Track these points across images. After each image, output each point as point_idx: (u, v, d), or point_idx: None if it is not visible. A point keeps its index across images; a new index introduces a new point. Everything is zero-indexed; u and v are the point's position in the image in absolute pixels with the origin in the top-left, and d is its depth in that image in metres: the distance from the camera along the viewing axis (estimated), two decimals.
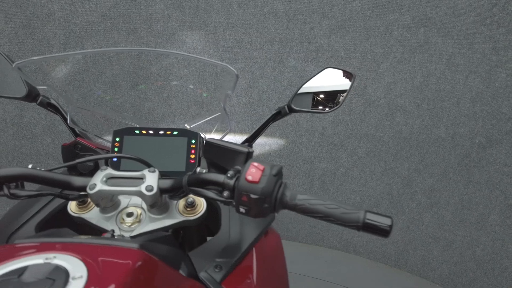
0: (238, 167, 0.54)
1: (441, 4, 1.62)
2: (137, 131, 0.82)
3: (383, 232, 0.48)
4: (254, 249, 0.67)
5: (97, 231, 0.64)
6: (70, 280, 0.35)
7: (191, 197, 0.67)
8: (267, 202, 0.50)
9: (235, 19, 1.86)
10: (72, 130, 0.90)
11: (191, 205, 0.67)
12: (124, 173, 0.61)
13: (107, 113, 1.56)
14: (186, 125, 0.92)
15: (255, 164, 0.51)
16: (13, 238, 0.66)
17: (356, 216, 0.49)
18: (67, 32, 1.90)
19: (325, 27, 1.80)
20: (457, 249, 1.91)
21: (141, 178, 0.60)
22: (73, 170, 0.82)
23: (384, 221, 0.48)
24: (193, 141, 0.81)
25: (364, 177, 2.04)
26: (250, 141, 0.93)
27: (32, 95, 0.86)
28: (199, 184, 0.57)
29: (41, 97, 0.88)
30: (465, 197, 1.83)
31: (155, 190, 0.58)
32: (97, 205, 0.62)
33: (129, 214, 0.65)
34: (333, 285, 1.96)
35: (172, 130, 0.81)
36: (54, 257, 0.38)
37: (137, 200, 0.68)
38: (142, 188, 0.58)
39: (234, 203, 0.52)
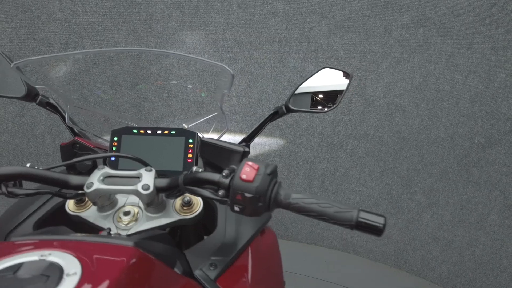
0: (234, 166, 0.54)
1: (440, 4, 1.62)
2: (135, 131, 0.82)
3: (376, 231, 0.48)
4: (249, 247, 0.68)
5: (94, 229, 0.64)
6: (64, 276, 0.35)
7: (188, 196, 0.68)
8: (261, 201, 0.51)
9: (234, 19, 1.86)
10: (71, 129, 0.91)
11: (188, 204, 0.68)
12: (121, 172, 0.61)
13: (106, 113, 1.56)
14: (184, 124, 0.93)
15: (250, 163, 0.52)
16: (11, 236, 0.67)
17: (350, 215, 0.49)
18: (67, 32, 1.91)
19: (325, 27, 1.81)
20: (457, 249, 1.91)
21: (138, 177, 0.61)
22: (72, 169, 0.83)
23: (377, 220, 0.48)
24: (190, 141, 0.81)
25: (364, 177, 2.04)
26: (247, 140, 0.94)
27: (31, 95, 0.87)
28: (195, 183, 0.57)
29: (40, 97, 0.89)
30: (465, 197, 1.83)
31: (151, 189, 0.59)
32: (94, 203, 0.63)
33: (126, 213, 0.66)
34: (332, 285, 1.96)
35: (170, 129, 0.82)
36: (49, 254, 0.39)
37: (134, 199, 0.69)
38: (139, 187, 0.59)
39: (229, 202, 0.53)
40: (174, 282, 0.47)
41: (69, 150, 0.85)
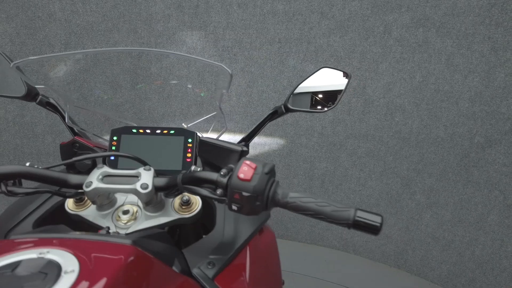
0: (232, 166, 0.55)
1: (440, 4, 1.62)
2: (134, 130, 0.83)
3: (373, 230, 0.48)
4: (248, 246, 0.68)
5: (93, 228, 0.65)
6: (62, 274, 0.36)
7: (187, 195, 0.68)
8: (259, 200, 0.51)
9: (234, 19, 1.87)
10: (71, 129, 0.91)
11: (187, 203, 0.68)
12: (119, 171, 0.62)
13: (105, 113, 1.57)
14: (183, 124, 0.93)
15: (248, 162, 0.52)
16: (11, 234, 0.67)
17: (347, 214, 0.49)
18: (68, 32, 1.91)
19: (325, 27, 1.81)
20: (456, 249, 1.91)
21: (137, 176, 0.61)
22: (72, 168, 0.83)
23: (374, 219, 0.48)
24: (189, 140, 0.82)
25: (364, 177, 2.04)
26: (246, 140, 0.94)
27: (31, 95, 0.87)
28: (193, 182, 0.57)
29: (40, 97, 0.89)
30: (464, 197, 1.83)
31: (150, 188, 0.59)
32: (93, 202, 0.63)
33: (125, 212, 0.66)
34: (332, 285, 1.96)
35: (169, 129, 0.82)
36: (48, 252, 0.39)
37: (134, 198, 0.69)
38: (137, 186, 0.59)
39: (227, 201, 0.53)
40: (171, 280, 0.47)
41: (68, 150, 0.85)
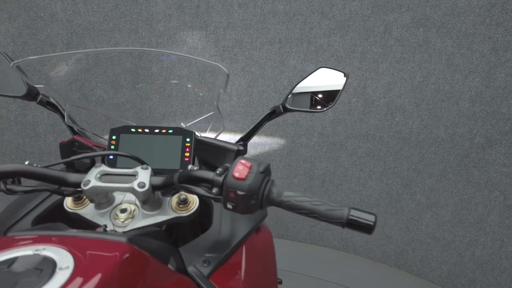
0: (227, 165, 0.55)
1: (440, 4, 1.62)
2: (133, 130, 0.83)
3: (367, 229, 0.49)
4: (244, 245, 0.68)
5: (92, 226, 0.65)
6: (57, 270, 0.36)
7: (184, 194, 0.68)
8: (253, 199, 0.51)
9: (235, 19, 1.87)
10: (71, 128, 0.92)
11: (184, 202, 0.69)
12: (117, 170, 0.62)
13: (105, 112, 1.58)
14: (182, 123, 0.94)
15: (243, 161, 0.52)
16: (10, 232, 0.68)
17: (341, 212, 0.49)
18: (69, 32, 1.92)
19: (325, 27, 1.81)
20: (456, 250, 1.91)
21: (134, 175, 0.61)
22: (71, 167, 0.84)
23: (368, 218, 0.49)
24: (188, 140, 0.82)
25: (364, 177, 2.04)
26: (245, 139, 0.94)
27: (31, 94, 0.88)
28: (189, 181, 0.58)
29: (40, 96, 0.90)
30: (465, 198, 1.82)
31: (147, 186, 0.60)
32: (91, 201, 0.64)
33: (123, 210, 0.67)
34: (332, 285, 1.96)
35: (168, 128, 0.83)
36: (44, 249, 0.40)
37: (131, 196, 0.69)
38: (134, 185, 0.59)
39: (222, 200, 0.53)
40: (166, 278, 0.48)
41: (68, 149, 0.86)
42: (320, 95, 0.91)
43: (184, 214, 0.68)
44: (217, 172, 0.55)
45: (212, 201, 0.77)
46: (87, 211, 0.67)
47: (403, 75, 1.78)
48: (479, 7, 1.56)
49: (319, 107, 0.92)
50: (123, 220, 0.66)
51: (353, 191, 2.10)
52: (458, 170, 1.80)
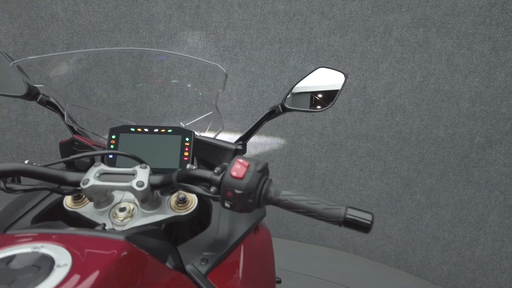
0: (225, 164, 0.55)
1: (440, 4, 1.62)
2: (132, 129, 0.84)
3: (364, 228, 0.49)
4: (242, 244, 0.69)
5: (91, 225, 0.66)
6: (55, 267, 0.37)
7: (183, 193, 0.69)
8: (251, 198, 0.52)
9: (235, 19, 1.87)
10: (71, 128, 0.93)
11: (183, 201, 0.69)
12: (116, 169, 0.63)
13: (104, 111, 1.59)
14: (181, 123, 0.94)
15: (240, 160, 0.53)
16: (9, 230, 0.68)
17: (338, 211, 0.50)
18: (70, 32, 1.93)
19: (325, 27, 1.81)
20: (457, 250, 1.91)
21: (133, 174, 0.62)
22: (71, 166, 0.84)
23: (365, 217, 0.49)
24: (187, 139, 0.82)
25: (364, 176, 2.04)
26: (244, 139, 0.95)
27: (32, 94, 0.89)
28: (188, 180, 0.58)
29: (40, 96, 0.90)
30: (465, 198, 1.82)
31: (145, 185, 0.60)
32: (90, 199, 0.64)
33: (122, 209, 0.67)
34: (332, 285, 1.96)
35: (167, 128, 0.83)
36: (42, 246, 0.40)
37: (130, 195, 0.70)
38: (133, 184, 0.60)
39: (220, 198, 0.53)
40: (164, 276, 0.48)
41: (68, 148, 0.87)
42: (319, 95, 0.92)
43: (183, 213, 0.68)
44: (215, 171, 0.55)
45: (211, 200, 0.78)
46: (87, 210, 0.68)
47: (403, 75, 1.78)
48: (479, 7, 1.56)
49: (318, 107, 0.92)
50: (122, 219, 0.66)
51: (353, 191, 2.10)
52: (458, 170, 1.80)
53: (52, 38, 1.94)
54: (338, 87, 0.89)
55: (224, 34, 1.91)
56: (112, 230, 0.60)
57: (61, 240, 0.42)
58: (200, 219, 0.82)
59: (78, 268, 0.37)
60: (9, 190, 0.59)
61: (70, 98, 0.91)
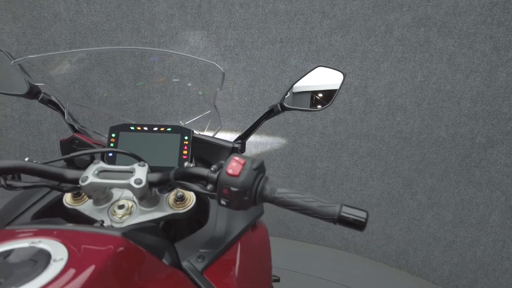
0: (222, 162, 0.56)
1: (441, 4, 1.61)
2: (132, 128, 0.84)
3: (359, 225, 0.49)
4: (239, 241, 0.69)
5: (90, 222, 0.66)
6: (51, 262, 0.37)
7: (181, 191, 0.69)
8: (247, 195, 0.52)
9: (237, 19, 1.88)
10: (71, 126, 0.94)
11: (181, 199, 0.69)
12: (115, 166, 0.63)
13: (104, 110, 1.60)
14: (180, 122, 0.95)
15: (236, 158, 0.53)
16: (9, 226, 0.69)
17: (332, 209, 0.50)
18: (72, 32, 1.95)
19: (326, 27, 1.81)
20: (458, 250, 1.90)
21: (131, 172, 0.62)
22: (71, 164, 0.85)
23: (360, 215, 0.49)
24: (186, 138, 0.83)
25: (365, 176, 2.04)
26: (243, 138, 0.95)
27: (33, 92, 0.90)
28: (185, 178, 0.59)
29: (42, 94, 0.91)
30: (466, 198, 1.82)
31: (143, 183, 0.60)
32: (89, 197, 0.65)
33: (121, 207, 0.68)
34: (333, 284, 1.96)
35: (166, 126, 0.84)
36: (39, 241, 0.41)
37: (129, 193, 0.70)
38: (131, 181, 0.60)
39: (216, 196, 0.54)
40: (161, 272, 0.49)
41: (68, 146, 0.87)
42: (317, 94, 0.92)
43: (181, 210, 0.68)
44: (212, 169, 0.55)
45: (209, 198, 0.78)
46: (86, 207, 0.68)
47: (404, 74, 1.78)
48: (481, 7, 1.56)
49: (317, 106, 0.92)
50: (120, 216, 0.67)
51: (354, 191, 2.10)
52: (460, 170, 1.80)
53: (55, 38, 1.96)
54: (337, 86, 0.90)
55: (226, 33, 1.92)
56: (110, 227, 0.61)
57: (58, 236, 0.43)
58: (198, 217, 0.82)
59: (74, 262, 0.38)
60: (9, 187, 0.60)
61: (71, 97, 0.92)
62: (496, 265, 1.80)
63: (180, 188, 0.60)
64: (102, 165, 0.63)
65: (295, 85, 0.92)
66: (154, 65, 2.01)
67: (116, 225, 0.65)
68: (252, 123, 0.96)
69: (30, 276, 0.35)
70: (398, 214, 2.03)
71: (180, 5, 1.88)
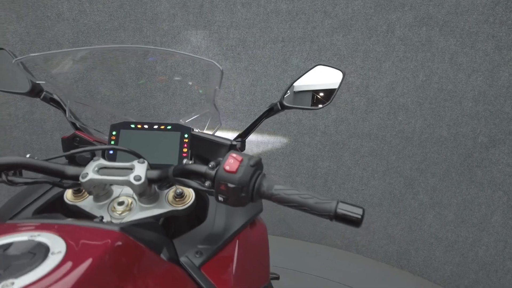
0: (220, 159, 0.56)
1: (443, 3, 1.61)
2: (132, 125, 0.85)
3: (355, 222, 0.49)
4: (237, 238, 0.70)
5: (90, 218, 0.67)
6: (49, 255, 0.38)
7: (180, 188, 0.70)
8: (244, 191, 0.53)
9: (238, 18, 1.89)
10: (73, 124, 0.95)
11: (180, 196, 0.70)
12: (114, 163, 0.64)
13: (108, 109, 1.62)
14: (180, 120, 0.96)
15: (234, 155, 0.54)
16: (10, 221, 0.70)
17: (329, 206, 0.50)
18: (75, 31, 1.96)
19: (328, 26, 1.81)
20: (459, 250, 1.89)
21: (131, 169, 0.63)
22: (72, 161, 0.86)
23: (356, 211, 0.50)
24: (186, 136, 0.84)
25: (366, 176, 2.04)
26: (243, 136, 0.96)
27: (35, 91, 0.91)
28: (184, 175, 0.60)
29: (44, 93, 0.93)
30: (468, 197, 1.81)
31: (143, 179, 0.61)
32: (89, 193, 0.66)
33: (120, 203, 0.69)
34: (334, 284, 1.96)
35: (166, 124, 0.84)
36: (38, 235, 0.42)
37: (129, 190, 0.71)
38: (131, 178, 0.61)
39: (214, 192, 0.55)
40: (158, 267, 0.49)
41: (69, 143, 0.89)
42: (317, 93, 0.92)
43: (180, 207, 0.69)
44: (210, 165, 0.56)
45: (208, 195, 0.79)
46: (86, 203, 0.69)
47: (406, 74, 1.78)
48: (483, 6, 1.55)
49: (316, 104, 0.93)
50: (120, 212, 0.67)
51: (355, 190, 2.10)
52: (461, 169, 1.79)
53: (58, 37, 1.97)
54: (336, 85, 0.90)
55: (227, 33, 1.92)
56: (109, 223, 0.62)
57: (57, 230, 0.43)
58: (197, 213, 0.83)
59: (72, 255, 0.38)
60: (11, 183, 0.61)
61: (72, 95, 0.93)
62: (498, 265, 1.79)
63: (179, 184, 0.61)
64: (102, 161, 0.64)
65: (295, 83, 0.92)
66: (156, 64, 2.02)
67: (115, 221, 0.66)
68: (252, 122, 0.96)
69: (29, 268, 0.36)
70: (400, 214, 2.03)
71: (182, 5, 1.89)
